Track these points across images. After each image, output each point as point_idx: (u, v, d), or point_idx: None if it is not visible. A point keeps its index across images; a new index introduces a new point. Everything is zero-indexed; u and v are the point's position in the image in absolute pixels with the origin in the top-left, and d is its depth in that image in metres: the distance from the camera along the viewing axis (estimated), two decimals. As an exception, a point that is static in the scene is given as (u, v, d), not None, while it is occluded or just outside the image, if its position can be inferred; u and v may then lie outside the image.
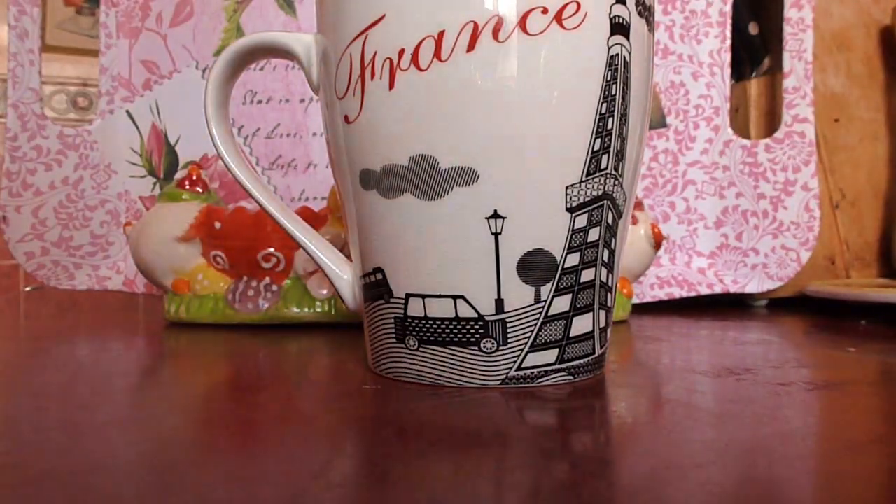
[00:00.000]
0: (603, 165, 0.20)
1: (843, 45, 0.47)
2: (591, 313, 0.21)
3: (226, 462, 0.14)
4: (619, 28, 0.20)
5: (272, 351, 0.28)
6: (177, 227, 0.34)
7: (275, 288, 0.34)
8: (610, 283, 0.22)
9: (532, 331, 0.20)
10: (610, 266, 0.21)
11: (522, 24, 0.19)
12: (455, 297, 0.20)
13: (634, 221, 0.36)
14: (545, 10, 0.19)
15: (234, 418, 0.18)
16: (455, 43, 0.19)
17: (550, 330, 0.20)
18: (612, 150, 0.20)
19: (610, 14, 0.20)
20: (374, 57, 0.20)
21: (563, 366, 0.21)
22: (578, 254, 0.20)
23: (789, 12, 0.42)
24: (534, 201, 0.20)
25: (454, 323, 0.20)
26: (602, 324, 0.22)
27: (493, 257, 0.20)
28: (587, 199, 0.20)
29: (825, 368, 0.25)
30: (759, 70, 0.47)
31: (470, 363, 0.21)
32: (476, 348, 0.20)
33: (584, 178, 0.20)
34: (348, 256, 0.24)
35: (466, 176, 0.20)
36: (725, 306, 0.43)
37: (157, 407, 0.19)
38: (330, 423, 0.18)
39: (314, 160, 0.44)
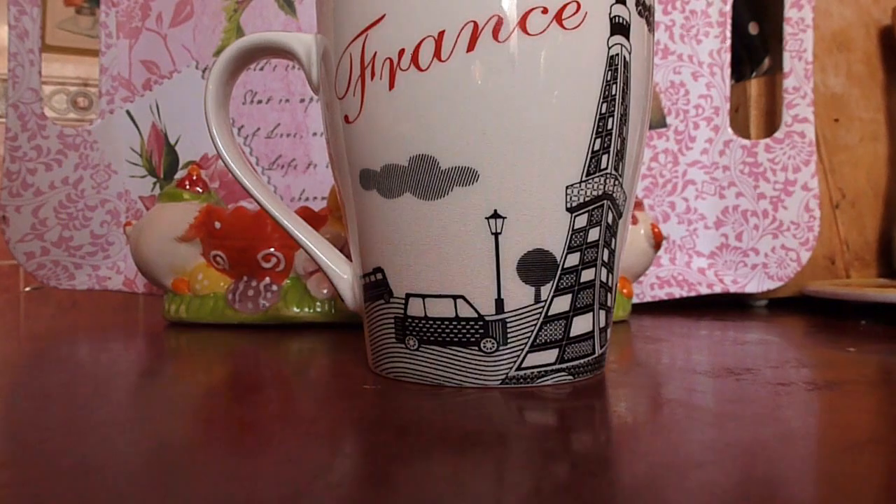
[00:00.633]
0: (603, 165, 0.20)
1: (843, 45, 0.47)
2: (591, 313, 0.21)
3: (226, 462, 0.14)
4: (619, 28, 0.20)
5: (272, 351, 0.28)
6: (177, 227, 0.34)
7: (275, 288, 0.34)
8: (610, 283, 0.22)
9: (532, 331, 0.20)
10: (610, 266, 0.21)
11: (522, 24, 0.19)
12: (455, 297, 0.20)
13: (634, 221, 0.36)
14: (545, 10, 0.19)
15: (234, 418, 0.18)
16: (455, 43, 0.19)
17: (550, 330, 0.20)
18: (612, 150, 0.20)
19: (610, 14, 0.20)
20: (374, 57, 0.20)
21: (563, 366, 0.21)
22: (578, 254, 0.20)
23: (789, 12, 0.42)
24: (534, 201, 0.20)
25: (454, 323, 0.20)
26: (602, 324, 0.22)
27: (493, 257, 0.20)
28: (587, 199, 0.20)
29: (825, 368, 0.25)
30: (759, 70, 0.47)
31: (470, 363, 0.21)
32: (476, 348, 0.20)
33: (584, 178, 0.20)
34: (348, 256, 0.24)
35: (466, 176, 0.20)
36: (725, 306, 0.43)
37: (157, 407, 0.19)
38: (330, 423, 0.18)
39: (314, 160, 0.44)
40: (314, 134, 0.44)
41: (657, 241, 0.36)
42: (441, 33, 0.19)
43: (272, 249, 0.33)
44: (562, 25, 0.19)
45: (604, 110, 0.20)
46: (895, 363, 0.26)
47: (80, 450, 0.15)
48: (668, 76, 0.43)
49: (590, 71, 0.20)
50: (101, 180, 0.44)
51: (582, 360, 0.21)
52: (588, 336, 0.21)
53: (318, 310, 0.33)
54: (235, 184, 0.24)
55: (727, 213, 0.42)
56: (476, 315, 0.20)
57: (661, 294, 0.42)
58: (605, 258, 0.21)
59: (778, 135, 0.42)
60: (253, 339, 0.31)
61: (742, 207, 0.42)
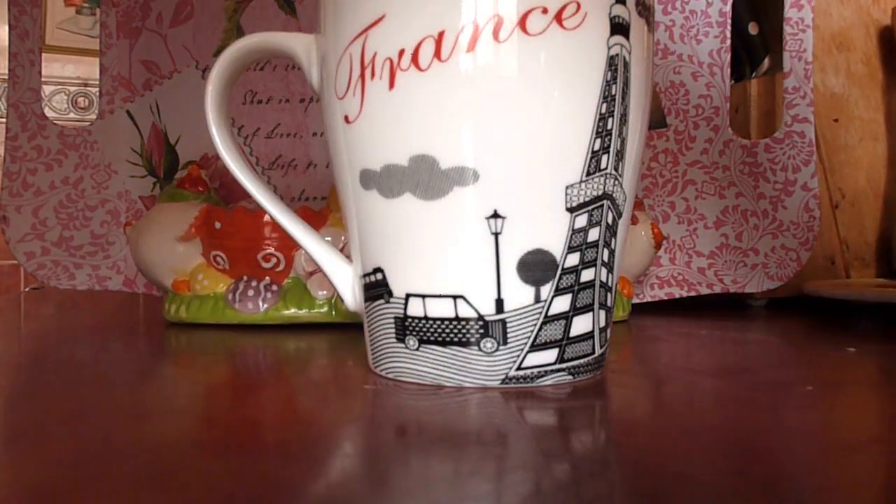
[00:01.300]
0: (603, 165, 0.20)
1: (843, 45, 0.47)
2: (591, 313, 0.21)
3: (226, 462, 0.14)
4: (619, 28, 0.20)
5: (272, 351, 0.28)
6: (177, 227, 0.34)
7: (275, 288, 0.34)
8: (610, 283, 0.22)
9: (532, 331, 0.20)
10: (610, 266, 0.21)
11: (522, 24, 0.19)
12: (455, 297, 0.20)
13: (634, 221, 0.36)
14: (545, 10, 0.19)
15: (234, 418, 0.18)
16: (455, 43, 0.19)
17: (550, 330, 0.20)
18: (612, 150, 0.20)
19: (610, 14, 0.20)
20: (374, 57, 0.20)
21: (563, 366, 0.21)
22: (578, 254, 0.20)
23: (789, 12, 0.42)
24: (534, 201, 0.20)
25: (454, 323, 0.20)
26: (602, 324, 0.22)
27: (493, 257, 0.20)
28: (587, 199, 0.20)
29: (825, 368, 0.25)
30: (759, 70, 0.47)
31: (470, 363, 0.21)
32: (476, 348, 0.20)
33: (584, 178, 0.20)
34: (348, 256, 0.24)
35: (466, 176, 0.20)
36: (725, 306, 0.43)
37: (157, 407, 0.19)
38: (330, 423, 0.18)
39: (314, 160, 0.44)
40: (314, 134, 0.44)
41: (657, 241, 0.36)
42: (441, 33, 0.19)
43: (272, 249, 0.33)
44: (562, 25, 0.19)
45: (604, 110, 0.20)
46: (895, 363, 0.26)
47: (80, 450, 0.15)
48: (668, 76, 0.43)
49: (590, 71, 0.20)
50: (101, 180, 0.44)
51: (582, 360, 0.21)
52: (588, 336, 0.21)
53: (318, 310, 0.33)
54: (235, 184, 0.24)
55: (727, 213, 0.42)
56: (476, 315, 0.20)
57: (661, 294, 0.42)
58: (605, 258, 0.21)
59: (778, 135, 0.42)
60: (253, 339, 0.31)
61: (742, 207, 0.42)
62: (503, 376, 0.21)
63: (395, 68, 0.20)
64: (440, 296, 0.20)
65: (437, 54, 0.19)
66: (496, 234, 0.20)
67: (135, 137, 0.44)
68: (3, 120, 0.43)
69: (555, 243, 0.20)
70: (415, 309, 0.21)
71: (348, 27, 0.20)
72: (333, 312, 0.33)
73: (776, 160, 0.42)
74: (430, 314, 0.21)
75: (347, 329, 0.33)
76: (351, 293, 0.24)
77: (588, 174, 0.20)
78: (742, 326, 0.35)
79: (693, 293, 0.42)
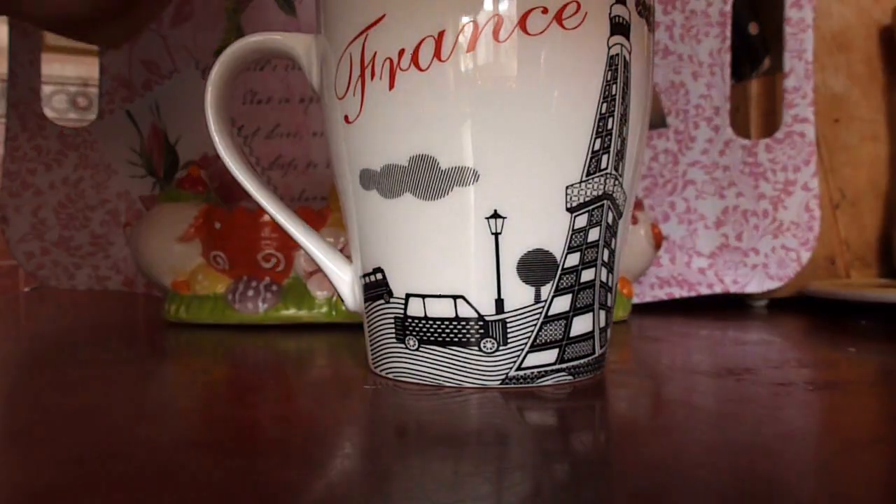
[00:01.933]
0: (603, 165, 0.20)
1: (843, 45, 0.47)
2: (591, 313, 0.21)
3: (226, 462, 0.14)
4: (619, 28, 0.20)
5: (272, 351, 0.28)
6: (177, 227, 0.34)
7: (275, 288, 0.34)
8: (610, 283, 0.22)
9: (532, 331, 0.20)
10: (610, 266, 0.21)
11: (522, 24, 0.19)
12: (455, 297, 0.20)
13: (634, 221, 0.36)
14: (545, 10, 0.19)
15: (234, 418, 0.18)
16: (455, 43, 0.19)
17: (550, 330, 0.20)
18: (612, 150, 0.20)
19: (610, 14, 0.20)
20: (374, 57, 0.20)
21: (563, 366, 0.21)
22: (578, 254, 0.20)
23: (789, 12, 0.42)
24: (534, 201, 0.20)
25: (454, 323, 0.20)
26: (602, 324, 0.22)
27: (493, 257, 0.20)
28: (587, 199, 0.20)
29: (825, 368, 0.25)
30: (759, 70, 0.47)
31: (470, 363, 0.21)
32: (476, 348, 0.20)
33: (584, 178, 0.20)
34: (348, 256, 0.24)
35: (466, 176, 0.20)
36: (725, 306, 0.43)
37: (157, 407, 0.19)
38: (330, 423, 0.18)
39: (314, 160, 0.44)
40: (314, 134, 0.44)
41: (657, 241, 0.36)
42: (441, 33, 0.19)
43: (272, 249, 0.33)
44: (562, 25, 0.19)
45: (604, 110, 0.20)
46: (895, 363, 0.26)
47: (80, 450, 0.15)
48: (668, 76, 0.43)
49: (590, 71, 0.20)
50: (101, 180, 0.44)
51: (582, 360, 0.21)
52: (588, 336, 0.21)
53: (318, 310, 0.33)
54: (235, 184, 0.24)
55: (727, 213, 0.42)
56: (476, 315, 0.20)
57: (661, 294, 0.42)
58: (606, 258, 0.21)
59: (778, 135, 0.42)
60: (253, 339, 0.31)
61: (742, 207, 0.42)
62: (503, 376, 0.21)
63: (395, 68, 0.20)
64: (440, 296, 0.20)
65: (437, 54, 0.19)
66: (496, 234, 0.20)
67: (134, 137, 0.44)
68: (3, 120, 0.43)
69: (555, 243, 0.20)
70: (415, 309, 0.21)
71: (348, 27, 0.20)
72: (333, 312, 0.33)
73: (776, 160, 0.42)
74: (430, 314, 0.21)
75: (347, 329, 0.33)
76: (351, 293, 0.24)
77: (588, 174, 0.20)
78: (742, 326, 0.35)
79: (693, 293, 0.42)
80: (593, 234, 0.21)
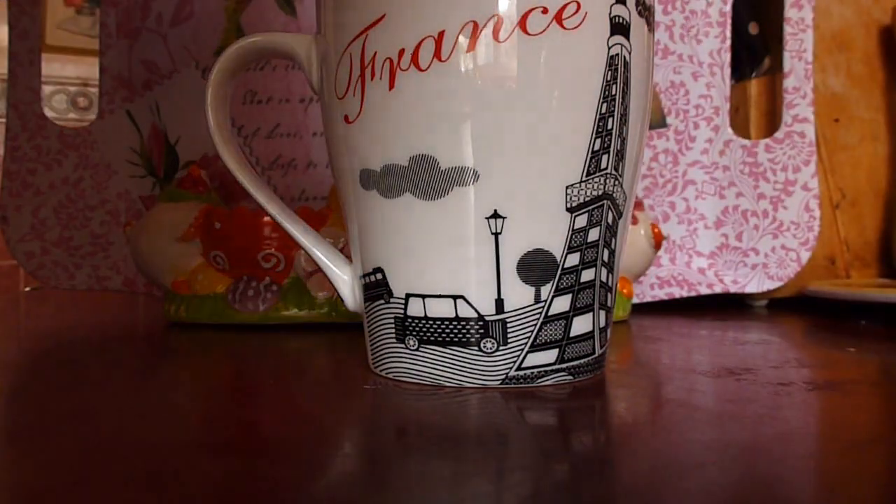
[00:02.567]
0: (603, 165, 0.20)
1: (843, 45, 0.47)
2: (591, 313, 0.21)
3: (226, 462, 0.14)
4: (619, 28, 0.20)
5: (272, 351, 0.28)
6: (177, 227, 0.34)
7: (275, 288, 0.34)
8: (610, 283, 0.22)
9: (532, 331, 0.20)
10: (610, 266, 0.21)
11: (522, 24, 0.19)
12: (455, 297, 0.20)
13: (634, 221, 0.36)
14: (545, 10, 0.19)
15: (234, 418, 0.18)
16: (455, 43, 0.19)
17: (550, 330, 0.20)
18: (612, 150, 0.20)
19: (610, 14, 0.20)
20: (374, 57, 0.20)
21: (563, 366, 0.21)
22: (578, 254, 0.20)
23: (789, 12, 0.42)
24: (534, 201, 0.20)
25: (454, 323, 0.20)
26: (602, 324, 0.22)
27: (493, 257, 0.20)
28: (587, 199, 0.20)
29: (825, 368, 0.25)
30: (759, 70, 0.46)
31: (470, 363, 0.21)
32: (476, 348, 0.20)
33: (584, 178, 0.20)
34: (348, 256, 0.24)
35: (466, 176, 0.20)
36: (725, 306, 0.43)
37: (157, 407, 0.19)
38: (330, 423, 0.18)
39: (314, 160, 0.44)
40: (314, 134, 0.44)
41: (657, 241, 0.36)
42: (441, 33, 0.19)
43: (272, 249, 0.33)
44: (562, 25, 0.19)
45: (604, 110, 0.20)
46: (895, 363, 0.26)
47: (80, 450, 0.15)
48: (668, 76, 0.43)
49: (590, 71, 0.20)
50: (101, 180, 0.44)
51: (582, 360, 0.21)
52: (588, 336, 0.21)
53: (318, 310, 0.33)
54: (235, 184, 0.24)
55: (727, 213, 0.42)
56: (476, 315, 0.20)
57: (661, 294, 0.42)
58: (605, 258, 0.21)
59: (778, 135, 0.42)
60: (253, 339, 0.31)
61: (742, 207, 0.42)
62: (503, 376, 0.21)
63: (395, 68, 0.20)
64: (440, 296, 0.20)
65: (437, 54, 0.19)
66: (496, 234, 0.20)
67: (134, 137, 0.44)
68: (3, 120, 0.43)
69: (555, 243, 0.20)
70: (415, 309, 0.21)
71: (348, 27, 0.20)
72: (333, 312, 0.33)
73: (776, 160, 0.42)
74: (430, 314, 0.21)
75: (347, 329, 0.33)
76: (351, 293, 0.24)
77: (588, 174, 0.20)
78: (742, 326, 0.35)
79: (693, 293, 0.42)
80: (593, 234, 0.21)
